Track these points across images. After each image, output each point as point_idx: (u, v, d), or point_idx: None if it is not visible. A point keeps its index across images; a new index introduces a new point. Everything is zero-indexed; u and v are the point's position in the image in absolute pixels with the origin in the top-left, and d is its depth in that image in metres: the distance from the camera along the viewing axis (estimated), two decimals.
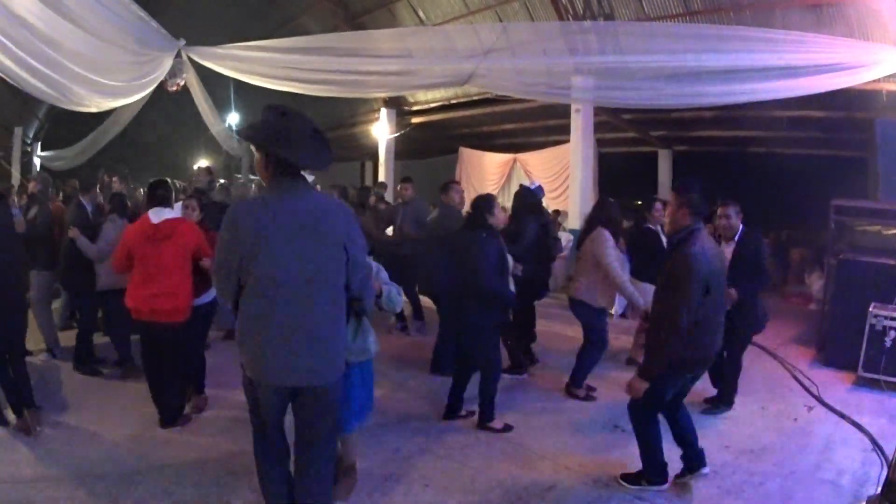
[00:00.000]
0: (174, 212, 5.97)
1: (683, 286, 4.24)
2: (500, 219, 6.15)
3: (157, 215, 5.71)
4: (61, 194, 10.79)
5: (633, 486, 4.73)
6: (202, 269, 5.79)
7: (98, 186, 8.84)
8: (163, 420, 5.74)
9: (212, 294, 5.96)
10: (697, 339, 4.34)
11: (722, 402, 6.45)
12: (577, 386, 6.78)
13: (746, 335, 6.48)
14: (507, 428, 5.83)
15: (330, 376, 3.58)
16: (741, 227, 6.41)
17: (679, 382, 4.61)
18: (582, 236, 7.05)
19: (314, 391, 3.55)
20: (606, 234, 6.69)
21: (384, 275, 4.54)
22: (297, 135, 3.44)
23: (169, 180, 7.58)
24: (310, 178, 7.37)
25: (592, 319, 6.81)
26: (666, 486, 4.71)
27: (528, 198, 7.82)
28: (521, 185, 8.67)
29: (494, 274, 5.74)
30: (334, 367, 3.59)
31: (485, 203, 5.92)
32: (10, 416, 5.58)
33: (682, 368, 4.49)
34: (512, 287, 6.01)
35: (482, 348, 5.87)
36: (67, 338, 7.68)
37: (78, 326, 7.50)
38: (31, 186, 8.86)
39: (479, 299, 5.73)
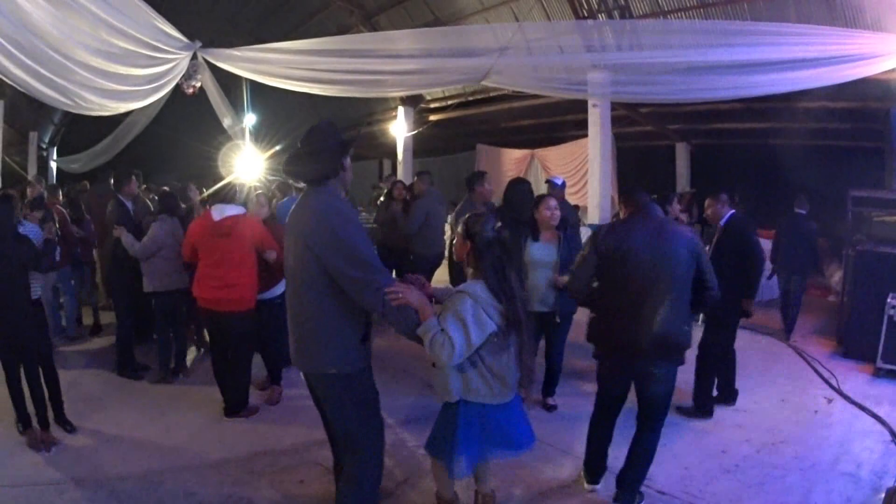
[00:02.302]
0: (237, 208, 6.16)
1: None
2: (544, 216, 6.16)
3: (218, 212, 6.01)
4: (62, 196, 10.77)
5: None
6: (269, 263, 6.07)
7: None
8: (227, 409, 6.01)
9: (282, 288, 6.09)
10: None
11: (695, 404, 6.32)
12: None
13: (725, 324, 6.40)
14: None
15: (311, 366, 3.73)
16: (729, 213, 6.49)
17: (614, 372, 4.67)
18: None
19: (311, 377, 3.82)
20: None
21: (453, 320, 3.49)
22: (293, 151, 3.83)
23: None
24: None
25: None
26: (592, 487, 4.79)
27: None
28: (546, 180, 8.78)
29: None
30: (313, 358, 3.69)
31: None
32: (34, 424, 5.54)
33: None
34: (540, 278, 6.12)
35: None
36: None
37: (117, 332, 7.34)
38: (31, 192, 8.87)
39: None
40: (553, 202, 6.20)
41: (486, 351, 3.60)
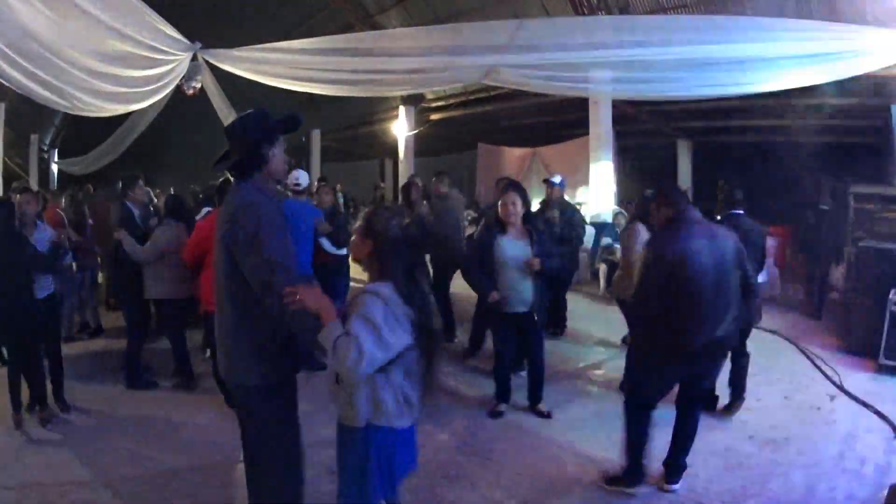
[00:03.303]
0: None
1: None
2: (500, 212, 6.07)
3: None
4: (64, 199, 10.79)
5: (611, 487, 4.75)
6: None
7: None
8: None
9: None
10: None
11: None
12: None
13: None
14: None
15: (233, 377, 3.44)
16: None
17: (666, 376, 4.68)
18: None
19: (234, 390, 3.58)
20: (639, 227, 6.77)
21: (360, 322, 2.93)
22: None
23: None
24: (305, 179, 7.33)
25: None
26: (634, 489, 4.70)
27: None
28: (543, 180, 8.80)
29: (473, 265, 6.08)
30: (235, 370, 3.40)
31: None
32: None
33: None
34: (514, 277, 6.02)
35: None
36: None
37: (127, 344, 7.09)
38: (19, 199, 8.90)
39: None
40: (511, 197, 6.05)
41: (398, 364, 3.06)
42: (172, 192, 8.32)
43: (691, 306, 4.32)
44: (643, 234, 6.60)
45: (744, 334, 6.03)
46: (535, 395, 6.29)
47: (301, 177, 7.16)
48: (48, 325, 6.12)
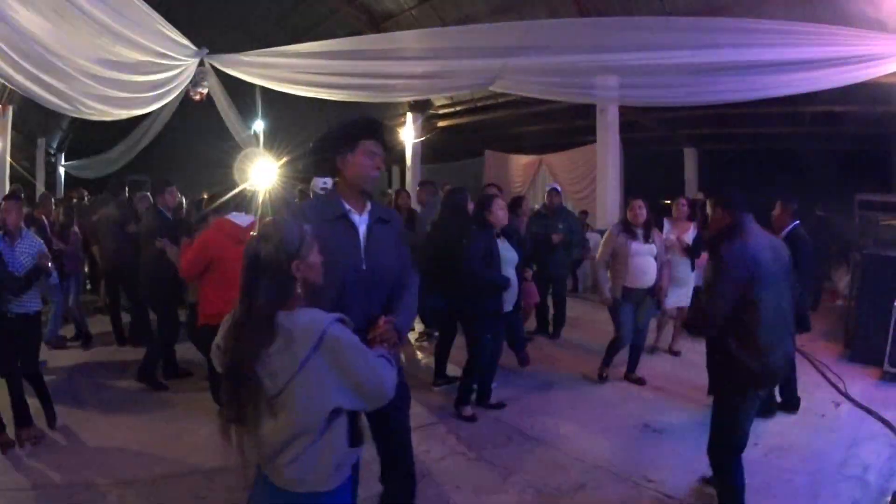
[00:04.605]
0: (250, 217, 5.96)
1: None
2: (498, 217, 6.24)
3: (241, 220, 5.82)
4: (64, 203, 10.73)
5: None
6: None
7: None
8: None
9: None
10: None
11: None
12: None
13: None
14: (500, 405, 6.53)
15: None
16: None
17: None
18: None
19: None
20: (611, 229, 7.33)
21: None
22: None
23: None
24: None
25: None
26: None
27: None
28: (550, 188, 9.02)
29: (480, 263, 6.05)
30: None
31: (485, 201, 6.35)
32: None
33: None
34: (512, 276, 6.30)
35: (474, 334, 6.33)
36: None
37: (153, 342, 7.25)
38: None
39: (471, 288, 6.12)
40: (502, 202, 6.43)
41: None
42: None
43: (762, 318, 3.98)
44: (615, 235, 7.11)
45: None
46: (488, 391, 6.63)
47: (329, 182, 7.26)
48: (26, 345, 5.84)
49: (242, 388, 2.40)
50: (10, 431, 5.53)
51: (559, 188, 9.54)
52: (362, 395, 2.45)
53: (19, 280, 5.58)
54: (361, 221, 3.42)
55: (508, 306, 6.31)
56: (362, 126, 3.49)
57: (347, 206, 3.41)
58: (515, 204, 8.70)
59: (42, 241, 6.12)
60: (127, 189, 10.19)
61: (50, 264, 5.84)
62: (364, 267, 3.34)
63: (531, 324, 9.33)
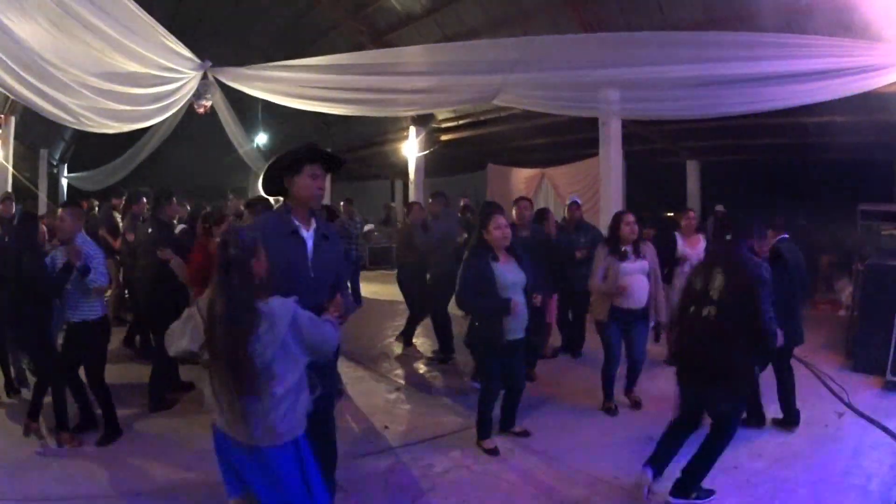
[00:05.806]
0: None
1: None
2: (495, 237, 5.69)
3: None
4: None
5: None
6: None
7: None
8: None
9: None
10: None
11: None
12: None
13: None
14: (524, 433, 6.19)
15: None
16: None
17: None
18: None
19: None
20: (599, 250, 6.90)
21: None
22: None
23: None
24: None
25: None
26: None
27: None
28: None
29: (470, 293, 5.67)
30: None
31: (483, 219, 5.91)
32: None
33: None
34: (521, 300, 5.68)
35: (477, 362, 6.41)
36: None
37: (156, 364, 6.95)
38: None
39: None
40: (502, 220, 5.80)
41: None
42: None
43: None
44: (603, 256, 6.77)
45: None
46: (512, 417, 6.22)
47: None
48: (88, 354, 5.93)
49: (238, 367, 3.11)
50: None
51: (579, 201, 9.44)
52: (315, 353, 3.37)
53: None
54: (309, 237, 4.08)
55: (516, 334, 5.71)
56: (305, 151, 4.07)
57: (297, 223, 4.05)
58: (541, 216, 8.70)
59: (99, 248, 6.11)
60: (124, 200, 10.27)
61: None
62: (312, 275, 4.01)
63: (556, 339, 9.22)
